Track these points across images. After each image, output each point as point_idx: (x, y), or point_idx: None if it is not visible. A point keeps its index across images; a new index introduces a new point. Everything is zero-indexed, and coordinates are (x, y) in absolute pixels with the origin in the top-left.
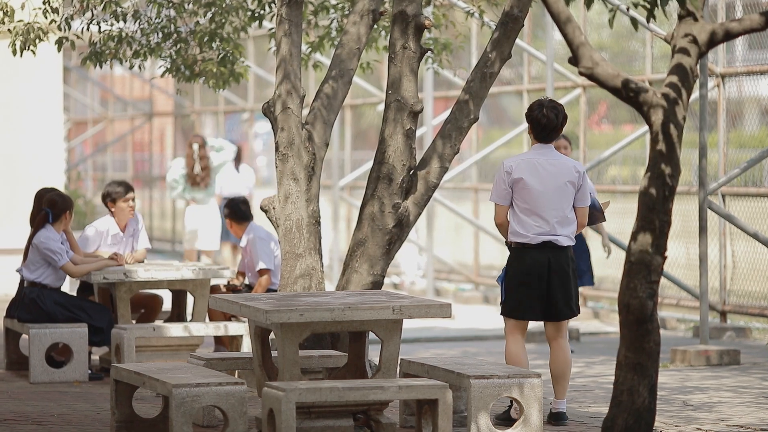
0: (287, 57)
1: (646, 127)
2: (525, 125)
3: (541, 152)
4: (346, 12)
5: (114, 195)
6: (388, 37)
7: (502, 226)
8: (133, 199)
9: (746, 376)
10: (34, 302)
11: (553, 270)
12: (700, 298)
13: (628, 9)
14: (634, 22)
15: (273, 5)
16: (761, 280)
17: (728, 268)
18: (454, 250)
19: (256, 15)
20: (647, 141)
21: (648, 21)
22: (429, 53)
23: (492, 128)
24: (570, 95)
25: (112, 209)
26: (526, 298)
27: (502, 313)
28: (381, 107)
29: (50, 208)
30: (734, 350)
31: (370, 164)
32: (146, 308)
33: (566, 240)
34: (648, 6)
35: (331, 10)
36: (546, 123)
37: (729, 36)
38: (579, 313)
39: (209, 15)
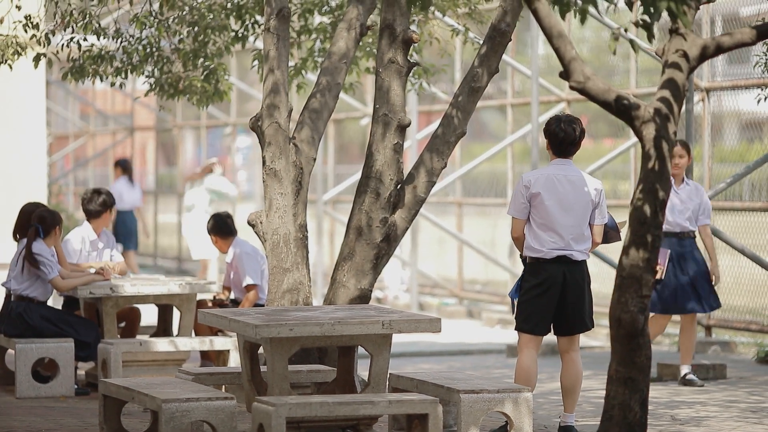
0: (275, 70)
1: (628, 142)
2: (509, 140)
3: (559, 168)
4: (329, 35)
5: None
6: (375, 55)
7: (519, 240)
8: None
9: (733, 390)
10: (21, 317)
11: (567, 283)
12: None
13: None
14: (634, 44)
15: (256, 26)
16: (745, 294)
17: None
18: (437, 265)
19: (239, 36)
20: (632, 156)
21: (650, 41)
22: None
23: (473, 143)
24: (554, 109)
25: (90, 217)
26: (540, 311)
27: (516, 328)
28: (364, 121)
29: (40, 224)
30: (720, 365)
31: (353, 178)
32: (126, 321)
33: (581, 255)
34: (649, 23)
35: (313, 33)
36: (564, 137)
37: (720, 50)
38: (593, 326)
39: (191, 34)
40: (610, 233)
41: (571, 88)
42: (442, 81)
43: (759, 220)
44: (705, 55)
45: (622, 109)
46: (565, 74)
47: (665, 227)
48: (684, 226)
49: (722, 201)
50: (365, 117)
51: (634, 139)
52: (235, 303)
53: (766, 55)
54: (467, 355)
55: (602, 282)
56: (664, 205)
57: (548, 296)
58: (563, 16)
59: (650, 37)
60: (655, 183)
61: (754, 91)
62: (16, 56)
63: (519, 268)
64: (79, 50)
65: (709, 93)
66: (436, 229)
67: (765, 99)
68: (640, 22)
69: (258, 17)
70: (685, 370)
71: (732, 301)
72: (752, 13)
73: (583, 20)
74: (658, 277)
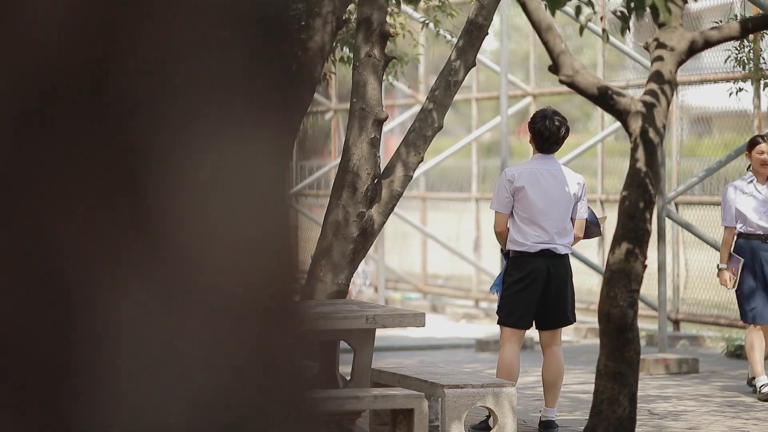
0: None
1: (594, 138)
2: (474, 135)
3: (542, 162)
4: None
5: None
6: (347, 47)
7: (502, 235)
8: None
9: (706, 384)
10: None
11: (551, 277)
12: (658, 306)
13: (602, 19)
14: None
15: None
16: (713, 288)
17: (681, 277)
18: (401, 259)
19: None
20: (599, 151)
21: (623, 33)
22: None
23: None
24: (520, 104)
25: None
26: (523, 306)
27: (498, 322)
28: (329, 116)
29: None
30: (693, 359)
31: (318, 173)
32: None
33: (564, 248)
34: (626, 13)
35: None
36: (548, 135)
37: (708, 44)
38: (575, 321)
39: None
40: (590, 228)
41: (561, 81)
42: (411, 76)
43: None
44: (693, 49)
45: (610, 103)
46: (554, 68)
47: (747, 229)
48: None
49: (690, 195)
50: (330, 111)
51: (602, 134)
52: None
53: (737, 51)
54: (437, 350)
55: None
56: (653, 198)
57: (531, 290)
58: (553, 13)
59: (624, 29)
60: (643, 176)
61: (702, 87)
62: None
63: (485, 263)
64: None
65: (677, 87)
66: (400, 224)
67: (737, 92)
68: (618, 13)
69: None
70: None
71: (700, 296)
72: (703, 7)
73: (577, 13)
74: (730, 287)
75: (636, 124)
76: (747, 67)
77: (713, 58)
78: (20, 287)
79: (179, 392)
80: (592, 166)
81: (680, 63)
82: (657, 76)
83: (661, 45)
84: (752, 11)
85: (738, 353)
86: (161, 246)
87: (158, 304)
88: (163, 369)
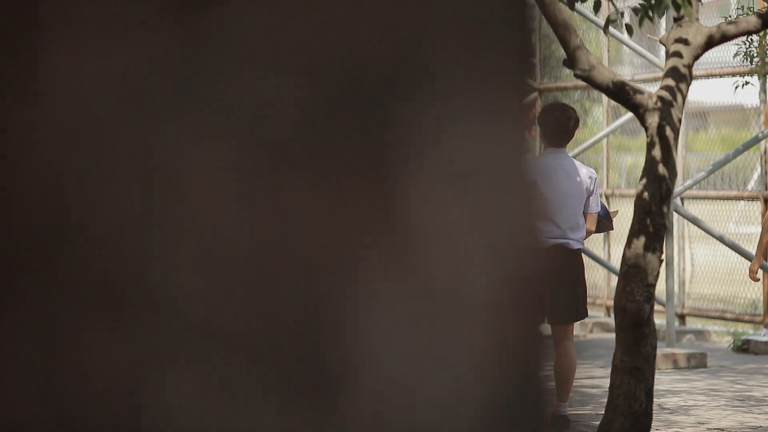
0: None
1: (602, 132)
2: None
3: (553, 156)
4: None
5: None
6: None
7: None
8: None
9: (716, 379)
10: None
11: (563, 272)
12: (666, 300)
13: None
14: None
15: None
16: (718, 282)
17: (686, 272)
18: None
19: None
20: (603, 146)
21: (640, 25)
22: None
23: None
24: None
25: None
26: (534, 300)
27: None
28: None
29: None
30: (701, 353)
31: None
32: None
33: (577, 243)
34: (647, 7)
35: None
36: (557, 127)
37: (725, 38)
38: (587, 315)
39: None
40: (602, 222)
41: (576, 76)
42: None
43: (730, 208)
44: (711, 43)
45: (627, 98)
46: (570, 63)
47: None
48: None
49: (696, 190)
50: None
51: (608, 129)
52: None
53: (746, 45)
54: None
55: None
56: (670, 193)
57: (543, 285)
58: (572, 7)
59: (642, 20)
60: (660, 171)
61: (698, 81)
62: None
63: None
64: None
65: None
66: None
67: (743, 86)
68: (639, 6)
69: None
70: None
71: (704, 290)
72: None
73: (596, 9)
74: None
75: (652, 119)
76: (754, 61)
77: (714, 53)
78: (276, 284)
79: (433, 391)
80: (596, 160)
81: (696, 57)
82: (673, 71)
83: (678, 40)
84: (758, 5)
85: (745, 348)
86: (408, 242)
87: (406, 302)
88: (413, 368)
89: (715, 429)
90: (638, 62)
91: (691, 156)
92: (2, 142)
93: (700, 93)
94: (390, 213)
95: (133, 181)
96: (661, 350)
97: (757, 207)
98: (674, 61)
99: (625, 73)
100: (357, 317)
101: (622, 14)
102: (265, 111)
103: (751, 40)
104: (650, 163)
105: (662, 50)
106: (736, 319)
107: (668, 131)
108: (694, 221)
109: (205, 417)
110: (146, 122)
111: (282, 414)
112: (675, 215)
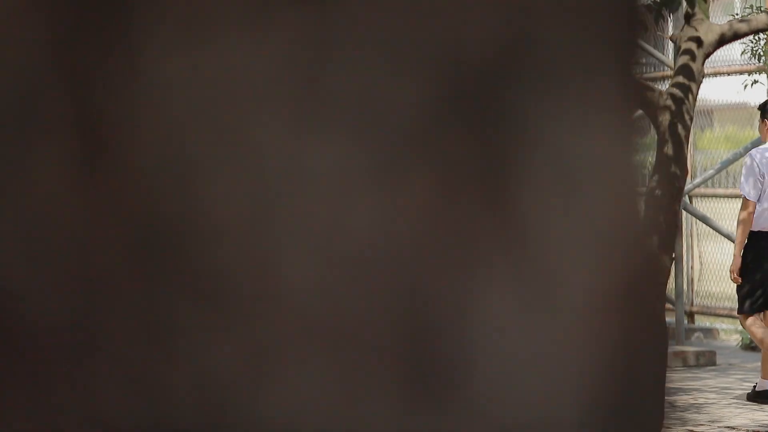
0: None
1: None
2: None
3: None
4: None
5: None
6: None
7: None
8: None
9: (726, 377)
10: None
11: None
12: (675, 299)
13: None
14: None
15: None
16: (727, 280)
17: (695, 270)
18: None
19: None
20: None
21: (657, 23)
22: None
23: None
24: None
25: None
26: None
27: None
28: None
29: None
30: (710, 351)
31: None
32: None
33: None
34: (661, 3)
35: None
36: None
37: (737, 36)
38: None
39: None
40: None
41: None
42: None
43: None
44: (722, 41)
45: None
46: None
47: None
48: None
49: (704, 188)
50: None
51: None
52: None
53: (753, 43)
54: None
55: None
56: (681, 191)
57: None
58: None
59: (657, 19)
60: (671, 169)
61: (706, 79)
62: None
63: None
64: None
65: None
66: None
67: (752, 85)
68: (652, 3)
69: None
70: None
71: (713, 288)
72: None
73: None
74: None
75: (663, 118)
76: (762, 59)
77: (721, 51)
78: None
79: (549, 391)
80: None
81: (708, 55)
82: (685, 69)
83: (690, 38)
84: (765, 4)
85: (753, 345)
86: (524, 244)
87: (524, 305)
88: (530, 370)
89: (728, 427)
90: (645, 60)
91: (697, 154)
92: (121, 140)
93: (706, 91)
94: (504, 210)
95: (253, 176)
96: (671, 348)
97: None
98: (686, 59)
99: None
100: (473, 315)
101: None
102: (383, 108)
103: (759, 38)
104: (660, 161)
105: (669, 48)
106: None
107: (680, 129)
108: (703, 219)
109: (324, 416)
110: (269, 119)
111: (402, 413)
112: (684, 213)
